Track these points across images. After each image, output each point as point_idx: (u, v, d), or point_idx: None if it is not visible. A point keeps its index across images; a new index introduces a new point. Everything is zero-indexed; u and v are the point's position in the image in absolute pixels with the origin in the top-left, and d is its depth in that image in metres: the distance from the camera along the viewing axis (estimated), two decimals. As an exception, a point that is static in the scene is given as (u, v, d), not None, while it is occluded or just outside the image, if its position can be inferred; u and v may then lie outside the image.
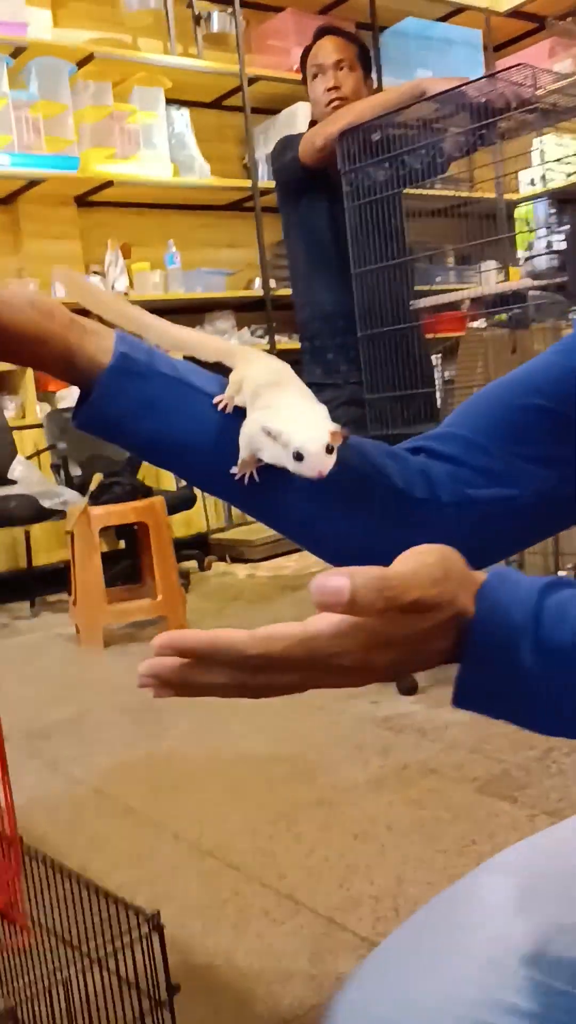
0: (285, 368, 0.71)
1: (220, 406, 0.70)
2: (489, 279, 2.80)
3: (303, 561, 4.65)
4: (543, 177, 5.71)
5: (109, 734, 2.47)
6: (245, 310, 5.22)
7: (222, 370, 0.73)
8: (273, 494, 0.71)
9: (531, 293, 4.59)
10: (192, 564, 4.76)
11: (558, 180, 5.47)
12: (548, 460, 0.75)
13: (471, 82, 2.22)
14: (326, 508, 0.73)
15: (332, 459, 0.62)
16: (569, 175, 5.60)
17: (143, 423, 0.68)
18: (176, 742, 2.36)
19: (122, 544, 4.31)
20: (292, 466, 0.63)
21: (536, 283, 2.21)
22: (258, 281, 5.18)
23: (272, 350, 5.03)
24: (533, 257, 2.23)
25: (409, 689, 2.54)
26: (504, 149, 5.75)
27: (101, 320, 0.73)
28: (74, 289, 0.74)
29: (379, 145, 2.40)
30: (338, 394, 2.68)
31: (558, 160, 5.59)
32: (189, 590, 4.24)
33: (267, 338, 5.10)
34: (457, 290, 3.04)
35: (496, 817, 1.78)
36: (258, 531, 4.88)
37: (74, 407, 0.69)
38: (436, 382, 2.82)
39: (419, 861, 1.66)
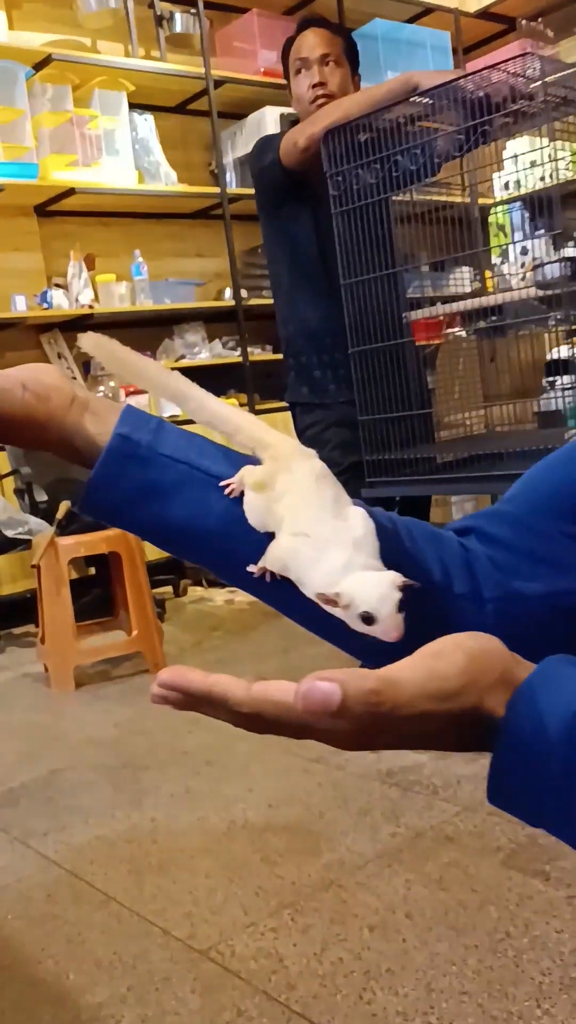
0: (325, 474, 0.63)
1: (228, 491, 0.64)
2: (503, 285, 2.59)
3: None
4: (517, 181, 5.56)
5: (84, 799, 2.23)
6: (216, 321, 5.00)
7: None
8: (296, 589, 0.62)
9: (506, 301, 4.40)
10: (167, 590, 4.52)
11: (532, 184, 5.33)
12: None
13: (468, 75, 2.02)
14: None
15: (402, 619, 0.57)
16: (542, 178, 5.44)
17: (143, 510, 0.64)
18: (159, 809, 2.12)
19: (93, 571, 4.06)
20: (360, 628, 0.57)
21: (545, 293, 2.01)
22: (228, 291, 4.97)
23: (244, 362, 4.82)
24: (540, 266, 2.03)
25: (412, 736, 2.33)
26: (476, 152, 5.59)
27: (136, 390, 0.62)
28: (103, 356, 0.68)
29: (367, 146, 2.20)
30: (327, 415, 2.47)
31: (532, 164, 5.45)
32: (165, 619, 4.00)
33: (239, 350, 4.88)
34: (455, 299, 2.84)
35: (529, 900, 1.57)
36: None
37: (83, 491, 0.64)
38: (432, 402, 2.62)
39: (448, 962, 1.44)
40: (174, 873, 1.83)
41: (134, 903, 1.72)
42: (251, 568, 0.62)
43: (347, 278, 2.23)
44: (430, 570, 0.65)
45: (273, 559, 0.62)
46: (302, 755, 2.33)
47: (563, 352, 4.90)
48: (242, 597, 4.30)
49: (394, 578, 0.56)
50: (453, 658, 0.47)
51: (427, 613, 0.64)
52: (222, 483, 0.63)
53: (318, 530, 0.60)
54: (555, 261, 1.95)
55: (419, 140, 2.13)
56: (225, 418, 0.67)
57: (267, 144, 2.39)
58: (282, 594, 0.64)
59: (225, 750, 2.43)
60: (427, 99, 2.09)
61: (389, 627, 0.56)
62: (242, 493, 0.63)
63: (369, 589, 0.56)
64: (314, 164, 2.22)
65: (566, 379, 4.58)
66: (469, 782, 2.05)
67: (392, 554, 0.64)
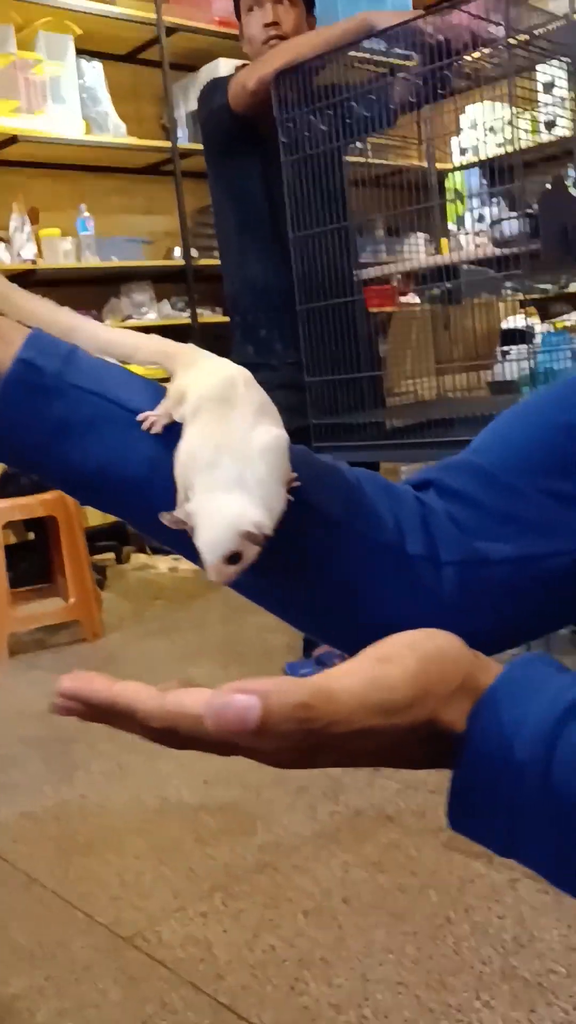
0: (241, 376, 0.54)
1: (146, 424, 0.54)
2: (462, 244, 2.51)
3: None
4: (475, 146, 5.46)
5: (13, 775, 2.13)
6: (165, 281, 4.84)
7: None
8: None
9: (464, 267, 4.32)
10: (109, 556, 4.40)
11: (490, 149, 5.23)
12: None
13: (426, 14, 1.91)
14: (294, 569, 0.57)
15: (235, 571, 0.49)
16: (500, 144, 5.36)
17: (53, 451, 0.54)
18: (91, 786, 2.03)
19: (31, 536, 3.93)
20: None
21: (503, 251, 1.92)
22: (178, 250, 4.81)
23: (194, 324, 4.68)
24: (499, 222, 1.94)
25: (355, 710, 2.26)
26: (433, 115, 5.47)
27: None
28: None
29: (321, 91, 2.08)
30: (272, 376, 2.36)
31: (490, 129, 5.35)
32: (105, 587, 3.89)
33: (188, 311, 4.74)
34: (405, 260, 2.74)
35: (471, 883, 1.51)
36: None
37: None
38: (382, 364, 2.53)
39: (386, 950, 1.37)
40: (102, 853, 1.74)
41: (59, 886, 1.63)
42: (165, 517, 0.52)
43: (296, 231, 2.12)
44: (381, 526, 0.56)
45: (177, 473, 0.52)
46: (241, 729, 2.25)
47: (518, 321, 4.84)
48: (187, 564, 4.19)
49: (240, 519, 0.48)
50: (403, 664, 0.39)
51: (377, 575, 0.56)
52: (139, 416, 0.54)
53: (216, 438, 0.50)
54: (513, 217, 1.86)
55: (375, 85, 2.02)
56: (120, 341, 0.58)
57: (215, 87, 2.25)
58: None
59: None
60: (383, 41, 1.98)
61: (212, 575, 0.48)
62: (166, 429, 0.53)
63: (212, 524, 0.48)
64: (264, 109, 2.10)
65: (520, 348, 4.52)
66: (412, 759, 1.98)
67: (344, 505, 0.56)
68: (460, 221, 5.38)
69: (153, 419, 0.54)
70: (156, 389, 0.56)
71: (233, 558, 0.48)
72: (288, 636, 2.83)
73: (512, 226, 1.83)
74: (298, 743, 0.37)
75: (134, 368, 0.59)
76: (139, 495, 0.55)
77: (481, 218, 5.25)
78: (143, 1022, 1.28)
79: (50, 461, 0.55)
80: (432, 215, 5.18)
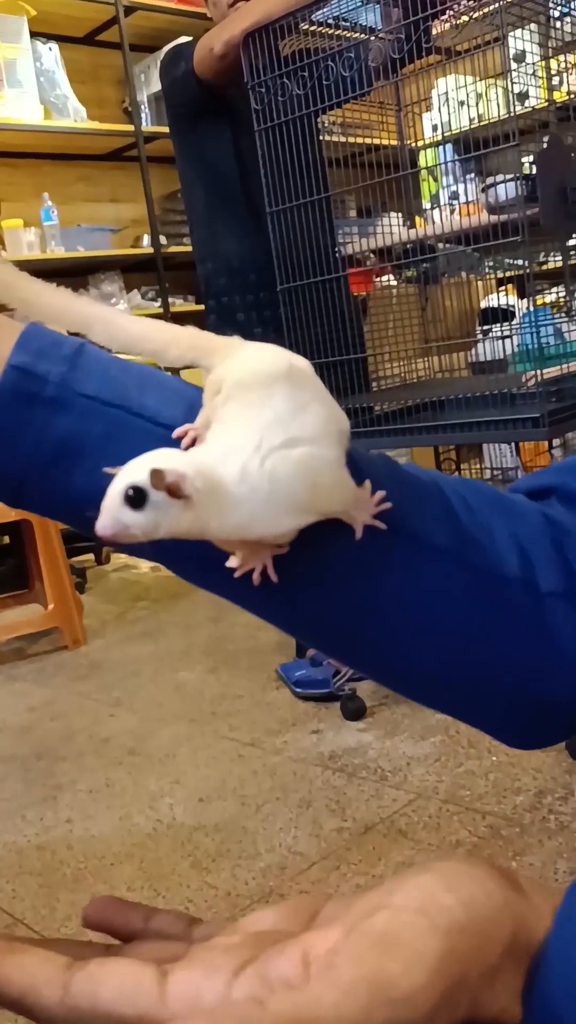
0: (291, 364, 0.42)
1: (185, 441, 0.41)
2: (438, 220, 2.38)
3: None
4: (446, 121, 5.33)
5: (-8, 798, 1.99)
6: (134, 270, 4.69)
7: None
8: (299, 590, 0.43)
9: (441, 246, 4.19)
10: (88, 557, 4.25)
11: (462, 124, 5.10)
12: None
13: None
14: (388, 612, 0.43)
15: (130, 521, 0.36)
16: (473, 118, 5.21)
17: (55, 481, 0.41)
18: (76, 809, 1.89)
19: (6, 540, 3.77)
20: None
21: (498, 218, 1.79)
22: (147, 238, 4.65)
23: (165, 314, 4.52)
24: (492, 186, 1.81)
25: (355, 712, 2.14)
26: (406, 91, 5.33)
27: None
28: None
29: (293, 54, 1.94)
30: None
31: (461, 103, 5.20)
32: (86, 590, 3.74)
33: (159, 300, 4.58)
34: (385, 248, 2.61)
35: (496, 904, 1.39)
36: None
37: None
38: (367, 345, 2.40)
39: None
40: (91, 886, 1.60)
41: (45, 926, 1.49)
42: (231, 562, 0.41)
43: (273, 205, 1.98)
44: (502, 558, 0.43)
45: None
46: (235, 737, 2.12)
47: (498, 300, 4.72)
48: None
49: (151, 461, 0.36)
50: (417, 949, 0.27)
51: (496, 618, 0.43)
52: (177, 432, 0.41)
53: (233, 422, 0.39)
54: (509, 180, 1.73)
55: (351, 43, 1.88)
56: (147, 335, 0.45)
57: (178, 54, 2.10)
58: (286, 602, 0.44)
59: (149, 735, 2.21)
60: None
61: (103, 518, 0.36)
62: None
63: (126, 470, 0.37)
64: (233, 74, 1.95)
65: (502, 327, 4.39)
66: (420, 764, 1.86)
67: (452, 530, 0.43)
68: (435, 199, 5.26)
69: (194, 433, 0.41)
70: (194, 392, 0.43)
71: (135, 499, 0.36)
72: (278, 634, 2.69)
73: (507, 189, 1.70)
74: None
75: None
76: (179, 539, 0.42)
77: (455, 195, 5.14)
78: None
79: (49, 490, 0.42)
80: (406, 193, 5.05)
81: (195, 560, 0.41)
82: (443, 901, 0.28)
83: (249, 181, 2.08)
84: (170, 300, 4.58)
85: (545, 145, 1.73)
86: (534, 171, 1.71)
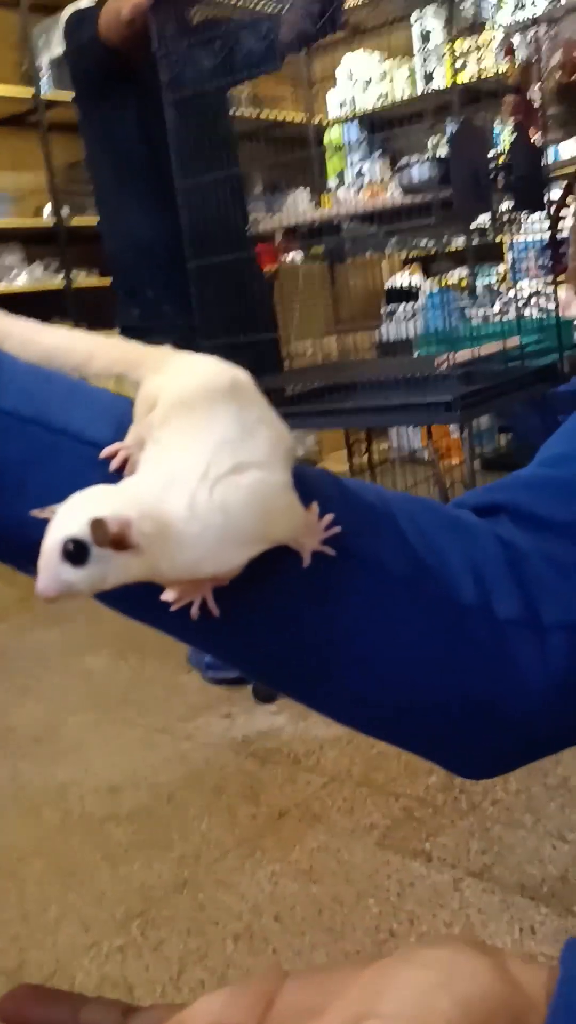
0: (234, 378, 0.38)
1: (115, 462, 0.37)
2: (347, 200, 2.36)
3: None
4: (353, 99, 5.31)
5: None
6: (35, 243, 4.53)
7: None
8: (245, 623, 0.40)
9: (346, 225, 4.17)
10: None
11: (368, 102, 5.09)
12: None
13: None
14: (336, 642, 0.41)
15: (73, 579, 0.32)
16: (379, 97, 5.21)
17: None
18: (-18, 802, 1.83)
19: None
20: None
21: (409, 202, 1.78)
22: (48, 208, 4.50)
23: (68, 288, 4.40)
24: (405, 168, 1.80)
25: (267, 695, 2.13)
26: (313, 67, 5.26)
27: None
28: None
29: (203, 23, 1.88)
30: (163, 341, 2.17)
31: (368, 82, 5.19)
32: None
33: (62, 274, 4.45)
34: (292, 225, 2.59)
35: (411, 887, 1.40)
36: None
37: None
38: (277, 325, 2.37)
39: (327, 974, 1.25)
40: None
41: (-51, 927, 1.44)
42: (167, 596, 0.37)
43: (183, 179, 1.92)
44: (457, 584, 0.41)
45: None
46: (145, 724, 2.08)
47: (403, 280, 4.74)
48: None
49: (115, 511, 0.32)
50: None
51: (459, 651, 0.41)
52: (106, 451, 0.37)
53: (162, 472, 0.35)
54: (423, 162, 1.72)
55: (263, 14, 1.83)
56: (68, 348, 0.41)
57: (82, 18, 2.01)
58: (232, 636, 0.41)
59: (57, 724, 2.15)
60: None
61: (41, 578, 0.32)
62: None
63: (60, 519, 0.32)
64: (140, 41, 1.88)
65: (406, 307, 4.42)
66: (333, 747, 1.86)
67: (406, 556, 0.41)
68: (340, 177, 5.25)
69: (124, 452, 0.37)
70: (125, 406, 0.39)
71: (76, 555, 0.32)
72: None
73: (421, 171, 1.69)
74: None
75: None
76: None
77: (360, 173, 5.13)
78: None
79: None
80: (312, 171, 5.01)
81: (130, 596, 0.38)
82: (439, 1005, 0.26)
83: (157, 155, 2.01)
84: (73, 274, 4.45)
85: (457, 127, 1.72)
86: (446, 153, 1.70)
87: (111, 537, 0.32)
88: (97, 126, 2.15)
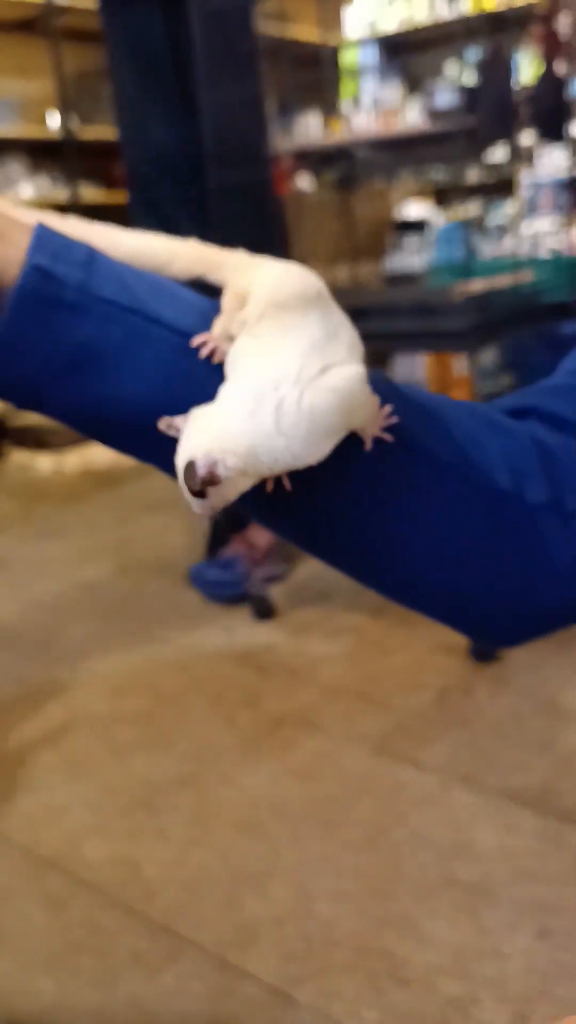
0: (318, 283, 0.44)
1: (204, 351, 0.42)
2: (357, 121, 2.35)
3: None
4: (372, 22, 5.18)
5: None
6: (41, 154, 4.47)
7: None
8: (314, 501, 0.45)
9: (359, 153, 4.12)
10: (-13, 454, 4.15)
11: (388, 24, 4.97)
12: None
13: None
14: (389, 519, 0.46)
15: (204, 504, 0.40)
16: (399, 20, 5.07)
17: (72, 385, 0.41)
18: (-10, 698, 1.90)
19: None
20: None
21: (430, 129, 1.79)
22: (55, 118, 4.42)
23: (75, 202, 4.35)
24: (430, 93, 1.80)
25: (265, 612, 2.19)
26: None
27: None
28: None
29: None
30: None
31: (389, 1, 5.04)
32: (-14, 486, 3.67)
33: (68, 187, 4.39)
34: (303, 149, 2.57)
35: (403, 789, 1.48)
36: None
37: None
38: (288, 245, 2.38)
39: (323, 861, 1.33)
40: (7, 769, 1.63)
41: (-37, 809, 1.52)
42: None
43: (208, 94, 1.92)
44: (495, 473, 0.46)
45: None
46: (144, 634, 2.15)
47: (414, 211, 4.70)
48: (71, 463, 3.99)
49: (204, 452, 0.39)
50: None
51: (496, 530, 0.46)
52: (195, 340, 0.42)
53: (263, 368, 0.40)
54: (449, 87, 1.72)
55: None
56: (151, 249, 0.46)
57: None
58: (287, 509, 0.46)
59: (58, 630, 2.22)
60: None
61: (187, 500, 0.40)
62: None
63: (190, 442, 0.39)
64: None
65: (416, 239, 4.40)
66: (329, 663, 1.94)
67: (452, 445, 0.46)
68: (355, 101, 5.15)
69: (213, 343, 0.42)
70: (210, 303, 0.44)
71: (196, 490, 0.39)
72: (187, 537, 2.72)
73: (447, 98, 1.69)
74: None
75: None
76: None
77: (375, 99, 5.02)
78: (74, 947, 1.20)
79: (65, 396, 0.42)
80: (326, 93, 4.92)
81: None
82: None
83: (183, 66, 2.00)
84: (80, 187, 4.40)
85: (485, 56, 1.72)
86: (472, 82, 1.71)
87: (200, 480, 0.38)
88: (123, 32, 2.13)
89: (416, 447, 0.45)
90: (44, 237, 0.42)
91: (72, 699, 1.87)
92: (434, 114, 1.89)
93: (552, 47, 2.11)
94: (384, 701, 1.75)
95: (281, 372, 0.39)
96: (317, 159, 4.57)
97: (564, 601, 0.50)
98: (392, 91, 4.64)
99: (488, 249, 3.24)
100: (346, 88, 5.18)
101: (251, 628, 2.14)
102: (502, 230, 3.74)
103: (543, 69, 1.79)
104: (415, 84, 4.68)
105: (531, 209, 3.51)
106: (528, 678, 1.79)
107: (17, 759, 1.66)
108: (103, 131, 4.40)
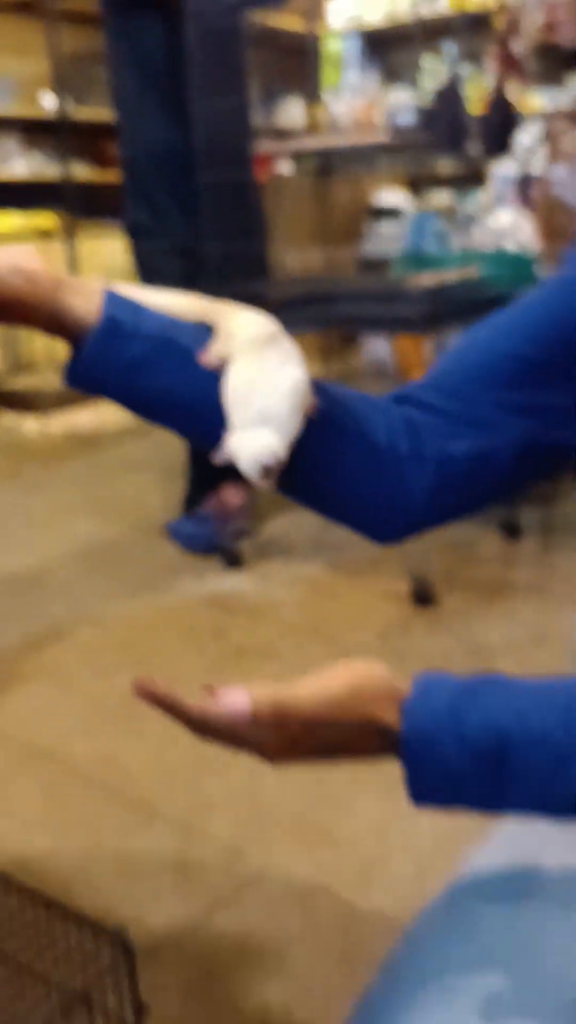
0: (275, 327, 0.69)
1: (204, 362, 0.68)
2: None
3: (98, 415, 4.39)
4: (356, 16, 5.40)
5: None
6: (34, 131, 4.65)
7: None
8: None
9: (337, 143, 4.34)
10: (-25, 415, 4.37)
11: (373, 16, 5.20)
12: (531, 409, 0.74)
13: None
14: (321, 468, 0.73)
15: (268, 481, 0.66)
16: (387, 13, 5.30)
17: (130, 383, 0.68)
18: None
19: None
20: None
21: (394, 142, 2.04)
22: (48, 97, 4.61)
23: (67, 180, 4.55)
24: (393, 112, 2.05)
25: (234, 562, 2.46)
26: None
27: None
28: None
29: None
30: (164, 244, 2.43)
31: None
32: (-26, 446, 3.90)
33: (61, 165, 4.59)
34: (284, 132, 2.80)
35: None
36: (50, 378, 4.54)
37: (67, 363, 0.68)
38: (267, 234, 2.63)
39: (273, 757, 1.61)
40: (9, 687, 1.89)
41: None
42: (215, 457, 0.67)
43: (199, 103, 2.16)
44: (377, 434, 0.72)
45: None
46: (126, 578, 2.42)
47: (389, 198, 4.95)
48: (56, 426, 4.23)
49: (262, 454, 0.63)
50: (341, 677, 0.59)
51: (377, 473, 0.72)
52: (202, 359, 0.67)
53: (248, 377, 0.66)
54: (409, 109, 1.97)
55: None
56: (173, 305, 0.71)
57: None
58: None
59: (46, 573, 2.47)
60: None
61: (257, 486, 0.66)
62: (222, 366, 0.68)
63: (245, 459, 0.64)
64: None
65: (390, 225, 4.64)
66: (289, 605, 2.21)
67: (354, 418, 0.72)
68: (335, 90, 5.37)
69: (211, 357, 0.67)
70: (204, 333, 0.68)
71: (264, 474, 0.65)
72: (165, 496, 2.98)
73: (406, 118, 1.94)
74: (279, 732, 0.57)
75: None
76: (199, 417, 0.69)
77: (354, 89, 5.24)
78: (66, 817, 1.47)
79: (127, 391, 0.68)
80: (309, 81, 5.13)
81: None
82: (354, 665, 0.61)
83: (179, 73, 2.24)
84: (72, 166, 4.59)
85: (442, 86, 1.97)
86: (430, 103, 1.96)
87: (277, 463, 0.64)
88: (125, 35, 2.35)
89: (333, 422, 0.72)
90: (111, 295, 0.68)
91: (62, 631, 2.13)
92: (395, 130, 2.14)
93: (506, 67, 2.37)
94: (333, 637, 2.03)
95: (260, 376, 0.65)
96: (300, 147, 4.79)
97: (422, 514, 0.76)
98: (371, 83, 4.88)
99: (459, 239, 3.48)
100: (327, 77, 5.40)
101: (221, 575, 2.41)
102: (472, 220, 4.00)
103: (495, 92, 2.04)
104: (394, 77, 4.92)
105: (499, 201, 3.77)
106: (459, 621, 2.07)
107: (7, 673, 1.92)
108: (96, 112, 4.60)
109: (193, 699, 0.62)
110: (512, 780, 0.55)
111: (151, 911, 1.27)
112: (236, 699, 0.58)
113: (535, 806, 0.56)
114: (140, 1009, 0.74)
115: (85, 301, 0.66)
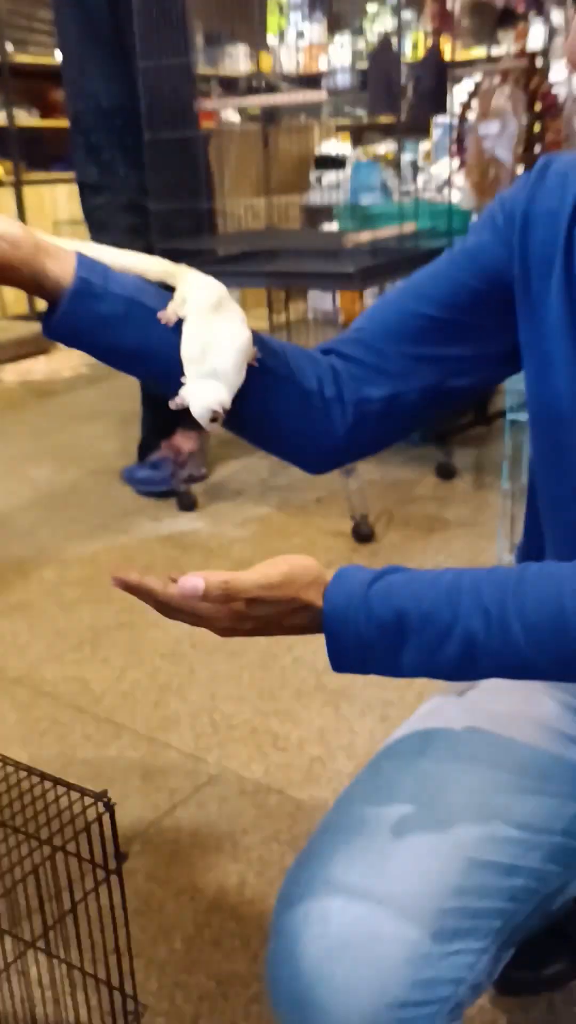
0: (223, 290, 0.81)
1: (163, 320, 0.79)
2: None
3: (52, 364, 4.46)
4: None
5: None
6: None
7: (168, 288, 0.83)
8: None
9: (283, 85, 4.41)
10: None
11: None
12: (434, 360, 0.88)
13: None
14: (259, 409, 0.86)
15: (216, 425, 0.77)
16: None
17: (100, 337, 0.79)
18: (-44, 568, 2.28)
19: None
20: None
21: (333, 103, 2.14)
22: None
23: (10, 127, 4.55)
24: (333, 73, 2.15)
25: (188, 505, 2.60)
26: None
27: None
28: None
29: None
30: (116, 199, 2.52)
31: None
32: None
33: (3, 112, 4.58)
34: (230, 78, 2.88)
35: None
36: (3, 330, 4.59)
37: (43, 318, 0.79)
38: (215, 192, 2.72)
39: (227, 677, 1.77)
40: (-21, 622, 2.02)
41: (-56, 645, 1.91)
42: (172, 403, 0.79)
43: (144, 60, 2.24)
44: (308, 381, 0.86)
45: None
46: (85, 521, 2.54)
47: (333, 147, 5.02)
48: (10, 375, 4.30)
49: (212, 402, 0.76)
50: (279, 566, 0.70)
51: (307, 413, 0.86)
52: (160, 315, 0.79)
53: (200, 335, 0.78)
54: (346, 70, 2.08)
55: None
56: (137, 265, 0.82)
57: None
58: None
59: (10, 517, 2.59)
60: None
61: (207, 429, 0.78)
62: (178, 321, 0.80)
63: (196, 407, 0.76)
64: None
65: (335, 175, 4.73)
66: (240, 544, 2.36)
67: (286, 366, 0.85)
68: (281, 35, 5.39)
69: (169, 316, 0.79)
70: (164, 294, 0.81)
71: (213, 419, 0.77)
72: (120, 443, 3.10)
73: (344, 79, 2.05)
74: (227, 609, 0.69)
75: None
76: (162, 366, 0.80)
77: (301, 34, 5.29)
78: (40, 732, 1.62)
79: (97, 343, 0.80)
80: (254, 26, 5.16)
81: None
82: (293, 557, 0.71)
83: (122, 29, 2.31)
84: (15, 112, 4.59)
85: (376, 47, 2.07)
86: (366, 67, 2.06)
87: (224, 410, 0.76)
88: (67, -8, 2.41)
89: (270, 369, 0.86)
90: (82, 259, 0.79)
91: (27, 570, 2.26)
92: (333, 92, 2.24)
93: (441, 24, 2.47)
94: (282, 571, 2.18)
95: (222, 340, 0.79)
96: (243, 91, 4.83)
97: (344, 449, 0.91)
98: (317, 27, 4.92)
99: (399, 188, 3.58)
100: (272, 22, 5.41)
101: (176, 518, 2.55)
102: (415, 168, 4.11)
103: (429, 50, 2.14)
104: (340, 22, 4.96)
105: (441, 151, 3.87)
106: (397, 554, 2.24)
107: (-17, 613, 2.06)
108: (38, 57, 4.59)
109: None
110: (409, 648, 0.70)
111: (120, 810, 1.43)
112: (192, 581, 0.68)
113: (427, 668, 0.71)
114: (119, 855, 0.90)
115: (61, 264, 0.77)
